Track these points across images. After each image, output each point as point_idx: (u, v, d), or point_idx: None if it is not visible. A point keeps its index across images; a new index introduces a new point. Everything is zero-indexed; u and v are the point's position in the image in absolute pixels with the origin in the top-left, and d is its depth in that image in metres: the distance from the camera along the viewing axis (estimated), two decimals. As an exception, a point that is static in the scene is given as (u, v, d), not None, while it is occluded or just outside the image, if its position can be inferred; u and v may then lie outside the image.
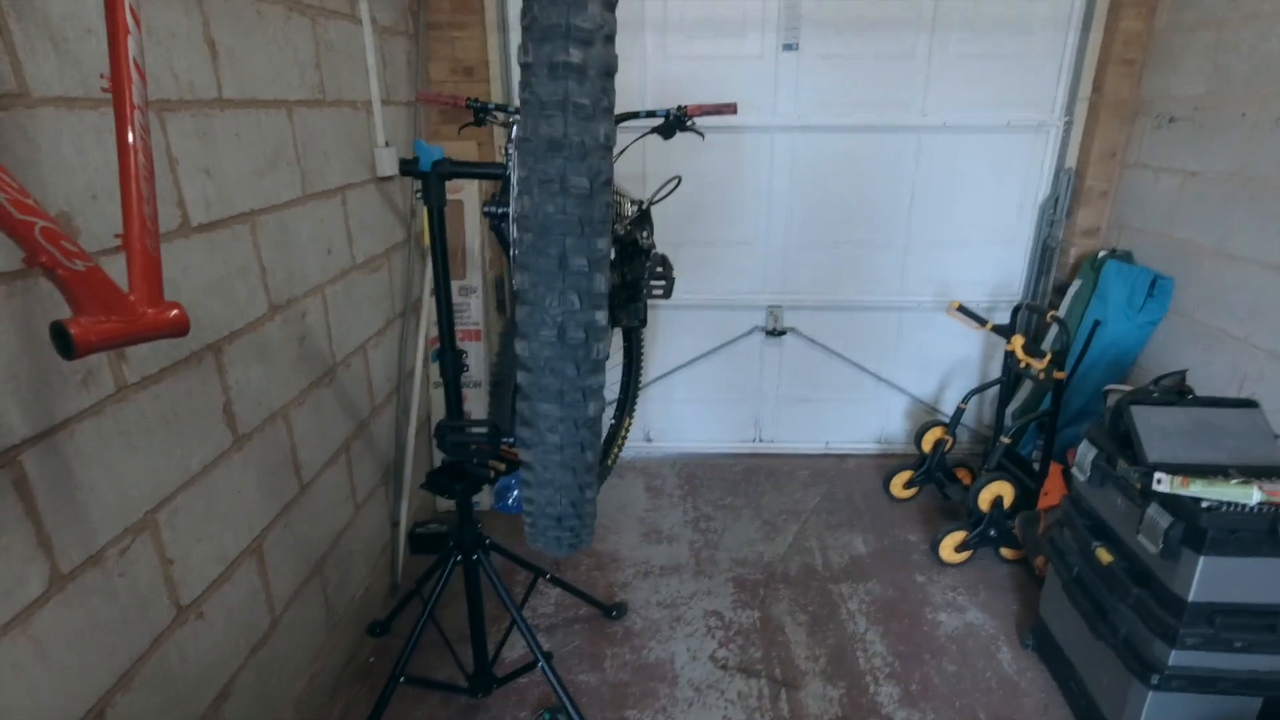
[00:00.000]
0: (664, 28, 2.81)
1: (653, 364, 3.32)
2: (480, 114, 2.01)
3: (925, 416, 3.35)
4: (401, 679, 1.81)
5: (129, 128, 0.92)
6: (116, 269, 1.22)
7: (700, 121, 2.44)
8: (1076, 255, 3.00)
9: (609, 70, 0.65)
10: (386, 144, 2.37)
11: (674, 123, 1.95)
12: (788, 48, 2.81)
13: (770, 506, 3.04)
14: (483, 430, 1.44)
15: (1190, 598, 1.57)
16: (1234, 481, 1.53)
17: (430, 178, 1.43)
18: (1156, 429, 1.71)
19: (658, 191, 1.61)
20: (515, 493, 1.72)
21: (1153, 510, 1.61)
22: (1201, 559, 1.53)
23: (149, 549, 1.34)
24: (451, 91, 2.81)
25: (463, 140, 2.87)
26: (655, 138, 2.04)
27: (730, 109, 1.94)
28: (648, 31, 2.82)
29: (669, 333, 3.28)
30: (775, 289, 3.18)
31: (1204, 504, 1.51)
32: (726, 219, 3.08)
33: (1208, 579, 1.54)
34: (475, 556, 1.81)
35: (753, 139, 2.95)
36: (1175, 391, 2.07)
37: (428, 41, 2.72)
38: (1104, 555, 1.82)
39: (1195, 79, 2.47)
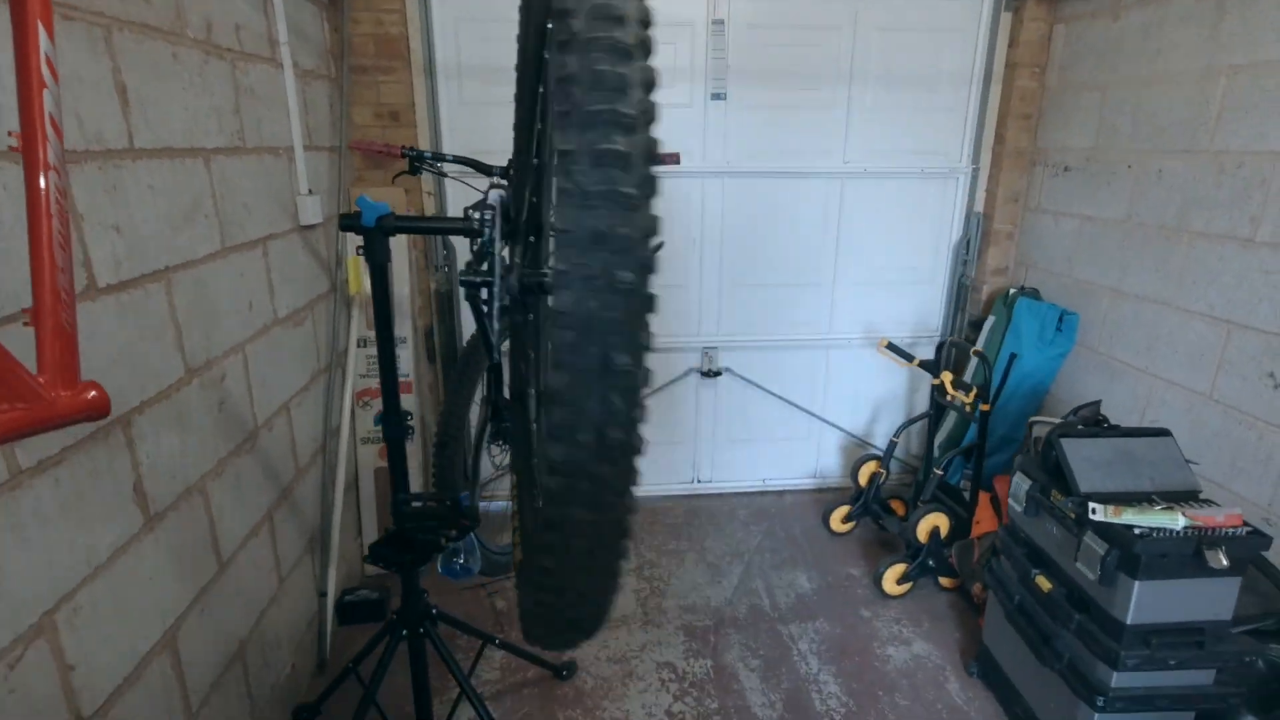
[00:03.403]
0: (594, 76, 2.83)
1: (590, 409, 3.27)
2: (416, 162, 1.95)
3: (857, 450, 3.44)
4: (341, 773, 1.65)
5: (42, 191, 0.81)
6: (18, 344, 1.08)
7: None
8: (988, 292, 3.18)
9: (653, 158, 0.62)
10: (310, 191, 2.25)
11: (615, 172, 1.95)
12: (716, 97, 2.89)
13: (714, 549, 3.02)
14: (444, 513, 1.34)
15: (1129, 621, 1.65)
16: (1159, 508, 1.63)
17: (374, 234, 1.35)
18: (1085, 460, 1.81)
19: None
20: (462, 559, 1.63)
21: (1089, 538, 1.69)
22: (1137, 584, 1.61)
23: (46, 657, 1.17)
24: (376, 136, 2.73)
25: (386, 187, 2.78)
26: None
27: (673, 159, 1.96)
28: (578, 79, 2.83)
29: (606, 376, 3.24)
30: (709, 330, 3.22)
31: (1136, 531, 1.60)
32: (661, 263, 3.09)
33: (1143, 602, 1.63)
34: (422, 629, 1.69)
35: (684, 184, 2.99)
36: (1093, 421, 2.21)
37: (352, 86, 2.63)
38: (1044, 583, 1.89)
39: (1085, 133, 2.70)
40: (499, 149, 2.82)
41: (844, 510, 3.10)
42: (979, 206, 3.12)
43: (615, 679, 2.29)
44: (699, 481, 3.47)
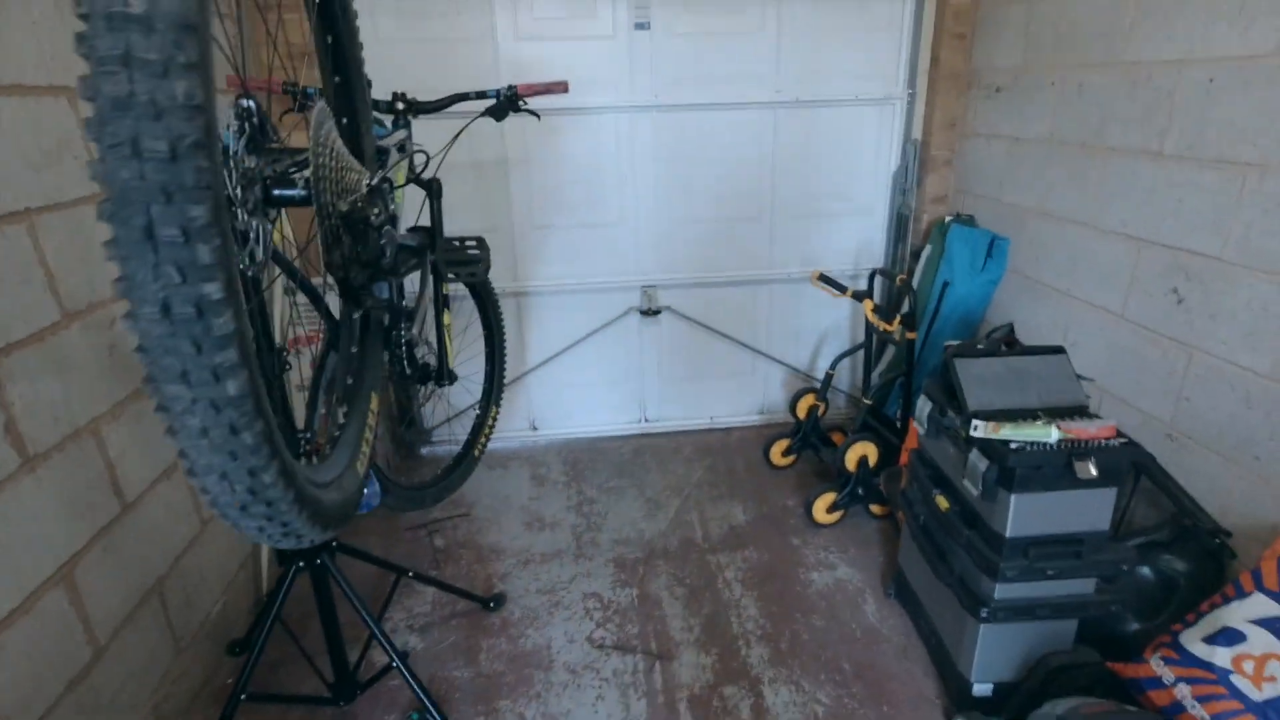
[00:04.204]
0: (514, 6, 2.74)
1: (531, 351, 3.28)
2: (300, 98, 1.90)
3: (802, 385, 3.46)
4: (244, 697, 1.72)
5: None
6: None
7: (555, 103, 2.40)
8: (928, 221, 3.15)
9: (185, 23, 0.60)
10: (211, 134, 2.21)
11: (505, 103, 1.90)
12: (639, 26, 2.80)
13: (654, 485, 3.07)
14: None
15: (1008, 534, 1.68)
16: (1037, 423, 1.65)
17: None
18: (976, 378, 1.82)
19: (391, 168, 1.54)
20: (368, 490, 1.66)
21: (973, 455, 1.71)
22: (1013, 497, 1.64)
23: (-91, 588, 1.20)
24: (281, 78, 2.66)
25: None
26: (525, 122, 1.97)
27: (561, 87, 1.91)
28: (498, 10, 2.75)
29: (546, 318, 3.24)
30: (647, 269, 3.20)
31: (1012, 445, 1.62)
32: (592, 201, 3.06)
33: (1020, 515, 1.66)
34: (319, 560, 1.73)
35: (611, 119, 2.93)
36: (1004, 343, 2.21)
37: (255, 25, 2.55)
38: (942, 502, 1.93)
39: (1013, 50, 2.62)
40: (422, 87, 2.76)
41: (784, 444, 3.13)
42: (916, 133, 3.06)
43: (542, 609, 2.35)
44: (646, 420, 3.50)
